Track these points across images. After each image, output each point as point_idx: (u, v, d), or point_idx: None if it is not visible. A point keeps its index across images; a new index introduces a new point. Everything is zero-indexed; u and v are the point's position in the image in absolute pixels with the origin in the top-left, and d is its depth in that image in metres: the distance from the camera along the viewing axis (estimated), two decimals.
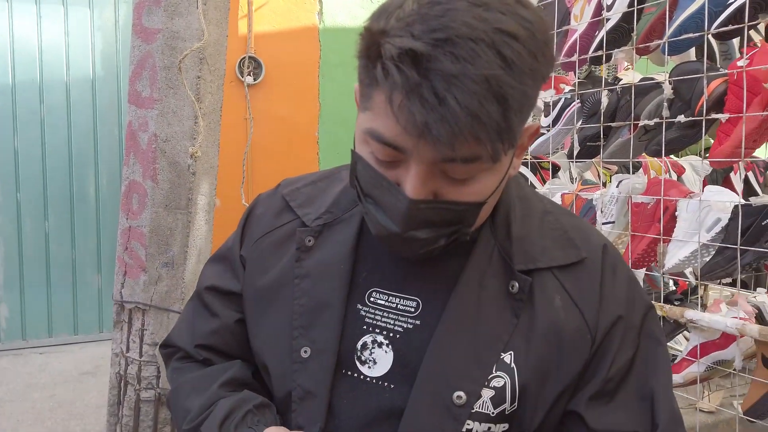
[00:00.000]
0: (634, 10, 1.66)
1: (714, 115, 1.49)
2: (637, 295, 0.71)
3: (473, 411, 0.63)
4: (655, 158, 2.05)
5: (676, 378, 1.64)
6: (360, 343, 0.68)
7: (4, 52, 3.56)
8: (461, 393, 0.63)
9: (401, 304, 0.69)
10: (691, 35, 1.52)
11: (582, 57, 1.86)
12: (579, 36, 1.87)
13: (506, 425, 0.65)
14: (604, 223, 1.81)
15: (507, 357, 0.65)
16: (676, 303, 1.65)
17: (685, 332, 1.72)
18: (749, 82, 1.40)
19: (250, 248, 0.77)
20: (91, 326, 3.79)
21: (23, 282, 3.67)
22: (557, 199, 2.01)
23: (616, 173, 2.14)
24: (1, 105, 3.57)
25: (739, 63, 1.44)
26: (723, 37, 1.54)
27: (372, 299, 0.70)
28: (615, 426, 0.66)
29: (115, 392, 2.03)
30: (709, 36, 1.50)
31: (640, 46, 1.67)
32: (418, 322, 0.67)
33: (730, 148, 1.46)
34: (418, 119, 0.52)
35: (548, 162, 2.05)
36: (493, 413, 0.64)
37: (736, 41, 1.74)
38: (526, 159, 2.18)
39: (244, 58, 3.67)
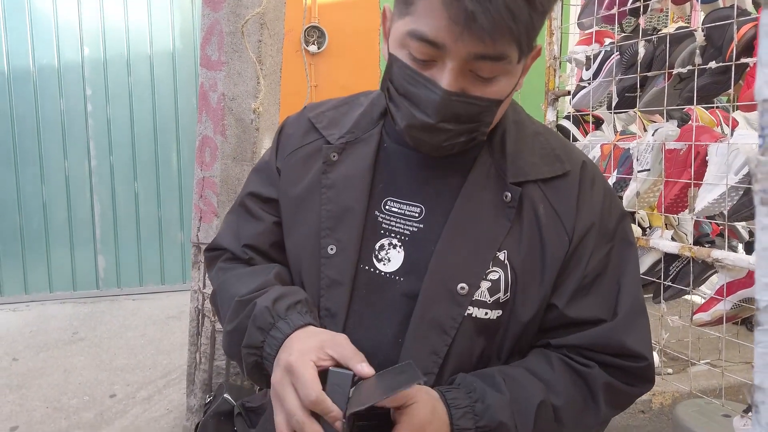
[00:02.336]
0: None
1: (743, 60, 1.52)
2: (613, 204, 0.82)
3: (474, 299, 0.74)
4: (706, 111, 2.07)
5: (704, 316, 1.70)
6: (378, 244, 0.79)
7: (96, 32, 3.87)
8: (464, 284, 0.74)
9: (408, 210, 0.79)
10: None
11: (621, 9, 1.91)
12: None
13: (500, 311, 0.76)
14: (639, 171, 1.86)
15: (501, 255, 0.76)
16: (706, 245, 1.70)
17: None
18: None
19: (284, 161, 0.87)
20: (176, 277, 4.13)
21: (117, 237, 4.03)
22: (597, 150, 2.08)
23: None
24: (95, 79, 3.90)
25: None
26: None
27: (387, 207, 0.80)
28: (585, 313, 0.78)
29: (194, 324, 2.28)
30: None
31: None
32: (421, 226, 0.78)
33: None
34: (468, 7, 0.62)
35: (590, 115, 2.11)
36: (489, 301, 0.75)
37: None
38: (569, 113, 2.25)
39: (309, 27, 3.86)
